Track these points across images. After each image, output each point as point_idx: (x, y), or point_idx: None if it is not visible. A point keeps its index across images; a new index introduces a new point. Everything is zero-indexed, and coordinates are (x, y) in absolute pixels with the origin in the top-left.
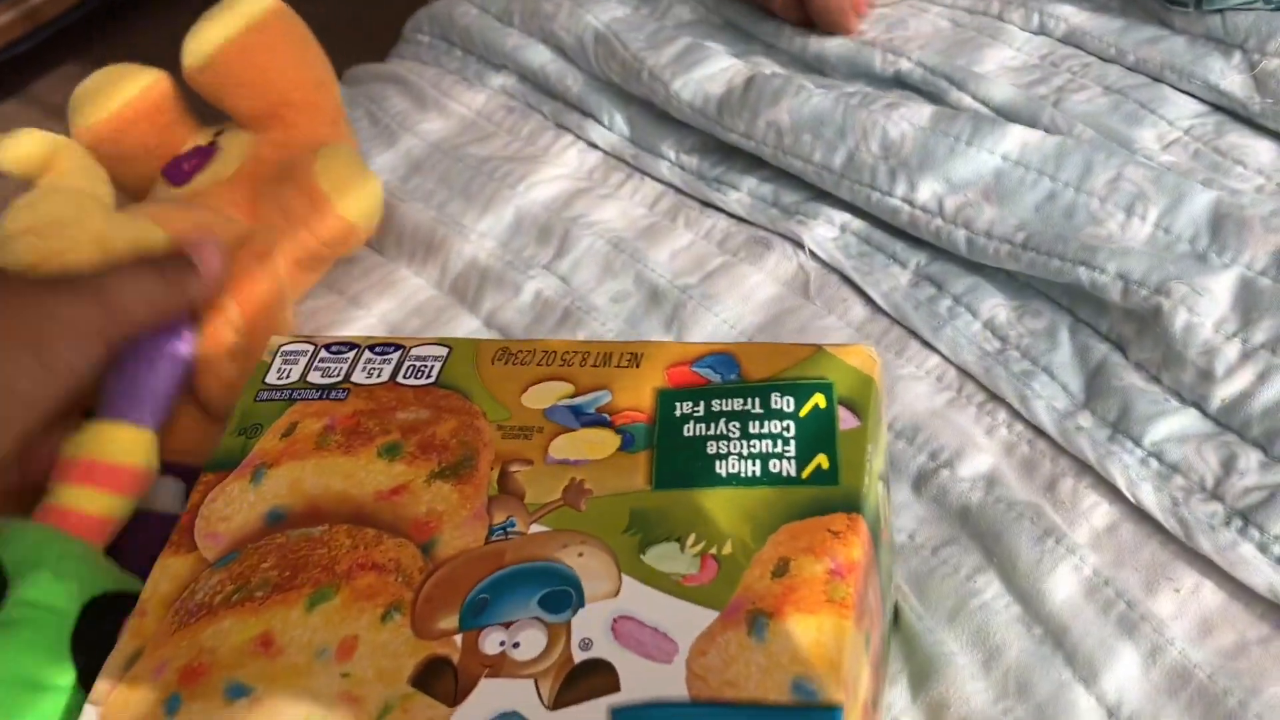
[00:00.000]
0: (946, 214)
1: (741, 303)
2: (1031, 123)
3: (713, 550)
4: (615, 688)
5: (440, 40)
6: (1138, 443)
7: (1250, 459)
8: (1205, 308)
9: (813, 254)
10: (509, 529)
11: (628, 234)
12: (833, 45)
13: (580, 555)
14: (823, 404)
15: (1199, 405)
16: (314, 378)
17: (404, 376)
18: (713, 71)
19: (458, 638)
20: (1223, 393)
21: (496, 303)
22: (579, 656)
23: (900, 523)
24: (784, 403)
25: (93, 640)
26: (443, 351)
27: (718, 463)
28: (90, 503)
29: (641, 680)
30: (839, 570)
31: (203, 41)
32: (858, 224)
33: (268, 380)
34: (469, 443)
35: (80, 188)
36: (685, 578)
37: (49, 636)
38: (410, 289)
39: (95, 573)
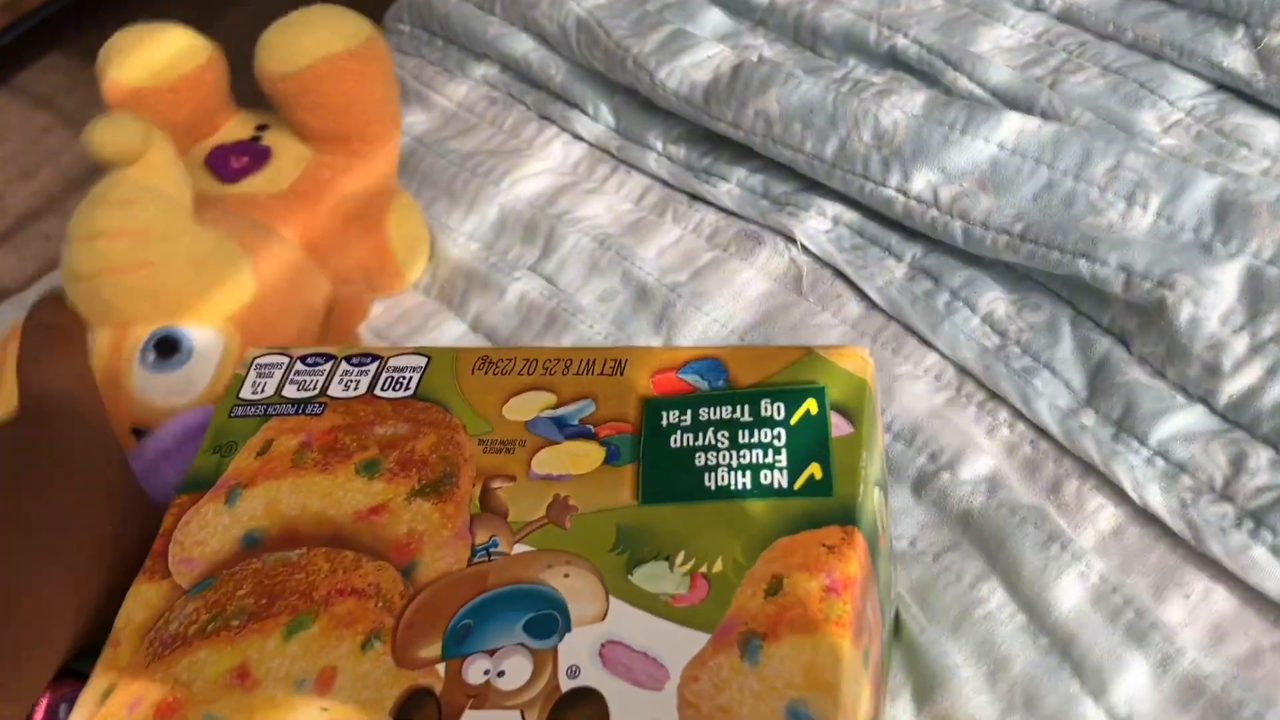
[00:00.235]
0: (942, 204)
1: (732, 300)
2: (1028, 107)
3: (703, 568)
4: (605, 718)
5: (421, 30)
6: (1143, 441)
7: (1261, 457)
8: (1211, 300)
9: (804, 248)
10: (492, 549)
11: (614, 230)
12: (827, 18)
13: (566, 576)
14: (814, 410)
15: (1206, 400)
16: (290, 391)
17: (382, 388)
18: (699, 59)
19: (440, 667)
20: (1231, 388)
21: (482, 306)
22: (566, 685)
23: (901, 529)
24: (774, 410)
25: None
26: (421, 362)
27: (706, 475)
28: None
29: (632, 710)
30: (834, 587)
31: (296, 51)
32: (851, 216)
33: (242, 395)
34: (449, 458)
35: (172, 195)
36: (675, 598)
37: None
38: (397, 294)
39: None
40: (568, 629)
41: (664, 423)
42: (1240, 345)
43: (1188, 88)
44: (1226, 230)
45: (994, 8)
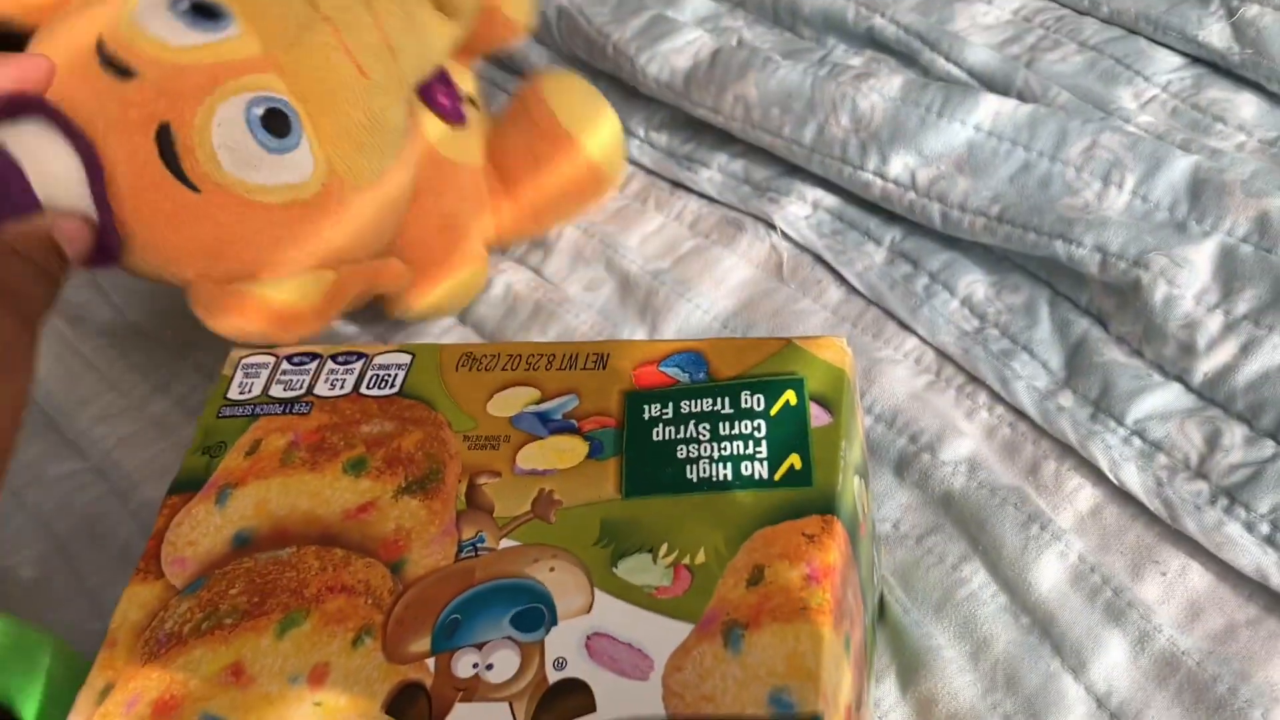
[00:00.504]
0: (919, 187)
1: (715, 287)
2: (1005, 87)
3: (685, 560)
4: (591, 708)
5: None
6: (1120, 421)
7: (1235, 434)
8: (1185, 279)
9: (785, 235)
10: (479, 545)
11: (597, 218)
12: None
13: (552, 570)
14: (794, 401)
15: (1182, 379)
16: (276, 391)
17: (367, 387)
18: (679, 44)
19: (430, 661)
20: (1205, 367)
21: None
22: (553, 677)
23: (884, 511)
24: (754, 401)
25: None
26: (405, 359)
27: (688, 467)
28: None
29: (617, 699)
30: (815, 575)
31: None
32: (831, 200)
33: (229, 395)
34: (435, 455)
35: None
36: (658, 590)
37: None
38: None
39: None
40: (554, 622)
41: (646, 416)
42: (1214, 323)
43: (1164, 63)
44: (1201, 209)
45: None
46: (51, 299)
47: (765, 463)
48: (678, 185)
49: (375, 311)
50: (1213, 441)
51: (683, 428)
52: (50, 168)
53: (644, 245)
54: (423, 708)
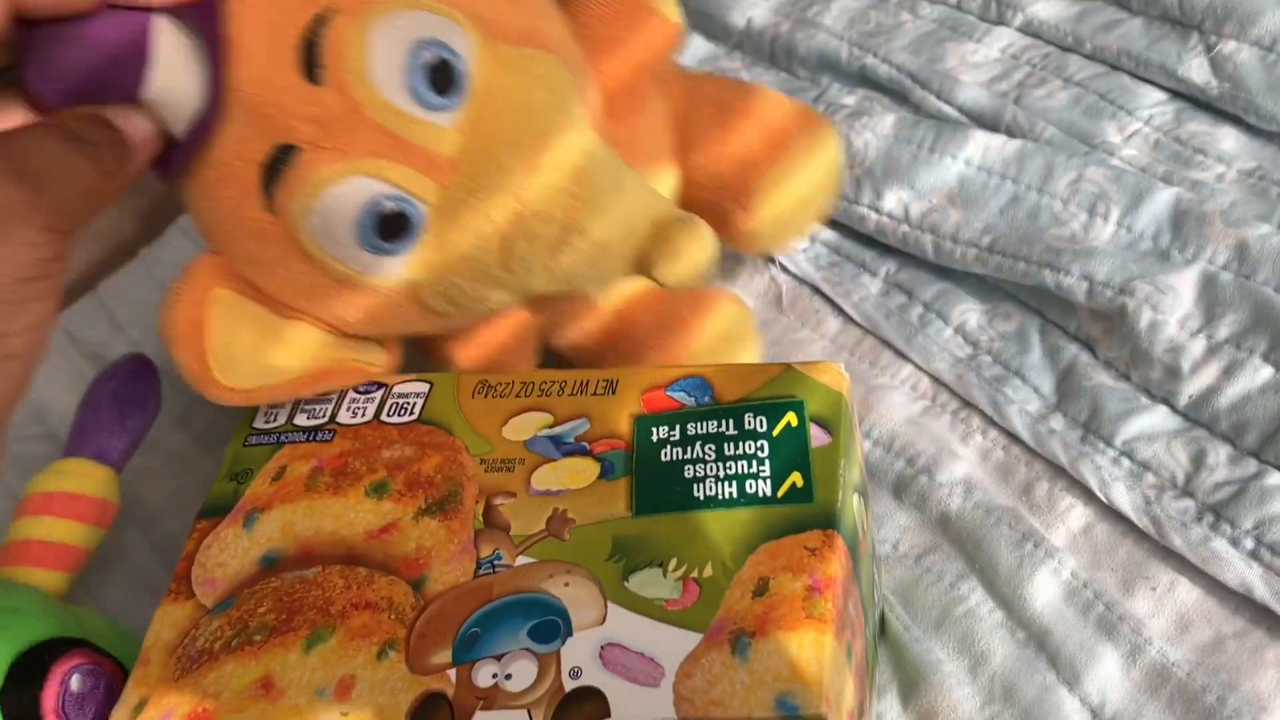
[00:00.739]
0: (913, 220)
1: None
2: (995, 123)
3: (694, 574)
4: (606, 713)
5: None
6: (1109, 442)
7: (1220, 453)
8: (1169, 305)
9: (783, 267)
10: (496, 562)
11: None
12: (801, 39)
13: (566, 585)
14: (795, 422)
15: (1168, 401)
16: (300, 420)
17: (387, 414)
18: None
19: (451, 672)
20: (1190, 389)
21: None
22: (569, 685)
23: (884, 533)
24: (757, 423)
25: (20, 696)
26: (424, 388)
27: (695, 486)
28: (50, 530)
29: (631, 705)
30: (817, 586)
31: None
32: (827, 234)
33: (256, 425)
34: (453, 478)
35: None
36: (668, 602)
37: None
38: None
39: (29, 621)
40: (569, 634)
41: (654, 438)
42: (1198, 347)
43: (1147, 98)
44: (1183, 238)
45: (960, 23)
46: (96, 202)
47: (768, 481)
48: None
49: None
50: (1198, 461)
51: (689, 449)
52: (176, 84)
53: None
54: (445, 716)
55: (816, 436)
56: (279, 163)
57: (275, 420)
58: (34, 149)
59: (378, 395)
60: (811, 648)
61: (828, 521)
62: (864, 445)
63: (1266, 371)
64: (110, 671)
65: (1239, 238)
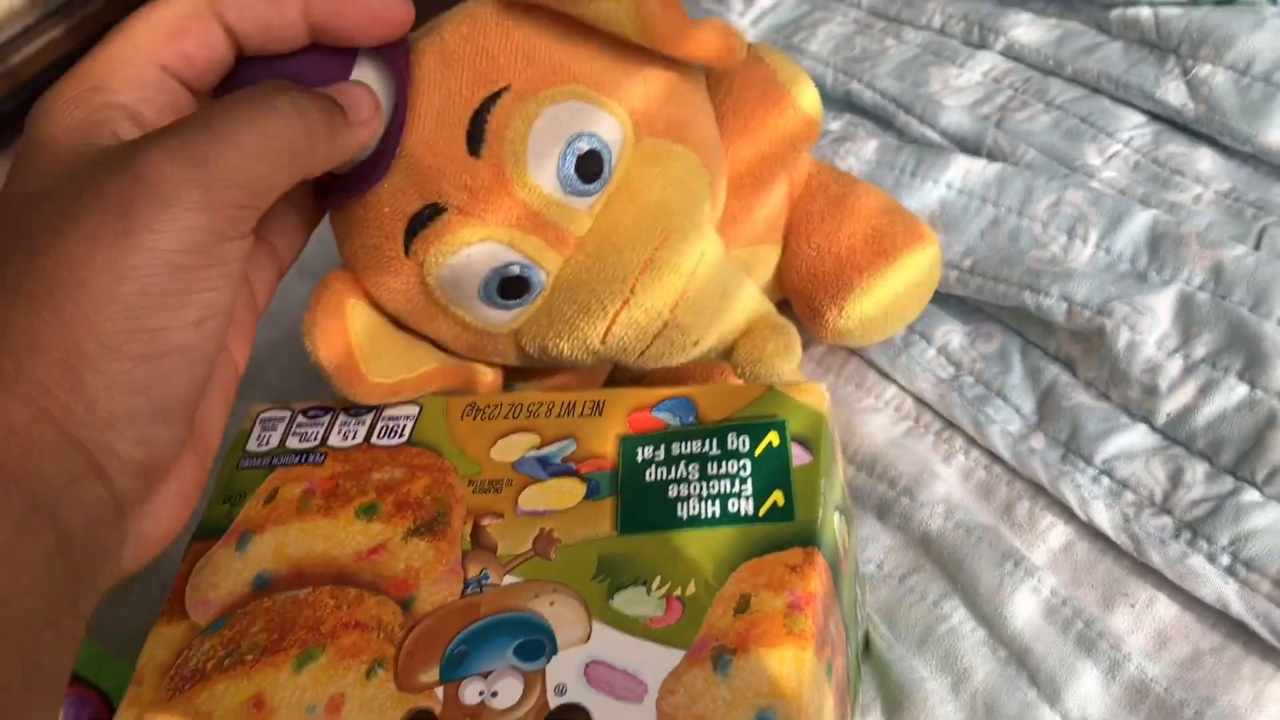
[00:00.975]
0: None
1: None
2: (976, 146)
3: (677, 592)
4: None
5: None
6: (1089, 461)
7: (1197, 471)
8: (1146, 326)
9: None
10: (483, 582)
11: None
12: None
13: (552, 604)
14: (776, 442)
15: (1147, 420)
16: (292, 443)
17: (378, 437)
18: None
19: (439, 690)
20: (1168, 407)
21: None
22: (554, 702)
23: (868, 554)
24: (740, 442)
25: None
26: (413, 410)
27: (679, 506)
28: None
29: None
30: (797, 603)
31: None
32: None
33: (249, 448)
34: (442, 499)
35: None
36: (652, 620)
37: None
38: None
39: None
40: (555, 651)
41: (639, 458)
42: (1175, 367)
43: (1126, 120)
44: (1160, 260)
45: (944, 48)
46: (295, 168)
47: (750, 500)
48: None
49: None
50: (1175, 478)
51: (673, 468)
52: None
53: None
54: None
55: (798, 456)
56: (426, 217)
57: (268, 444)
58: (219, 113)
59: (368, 418)
60: (791, 664)
61: (808, 539)
62: (848, 470)
63: (1242, 390)
64: (95, 703)
65: (1215, 259)
